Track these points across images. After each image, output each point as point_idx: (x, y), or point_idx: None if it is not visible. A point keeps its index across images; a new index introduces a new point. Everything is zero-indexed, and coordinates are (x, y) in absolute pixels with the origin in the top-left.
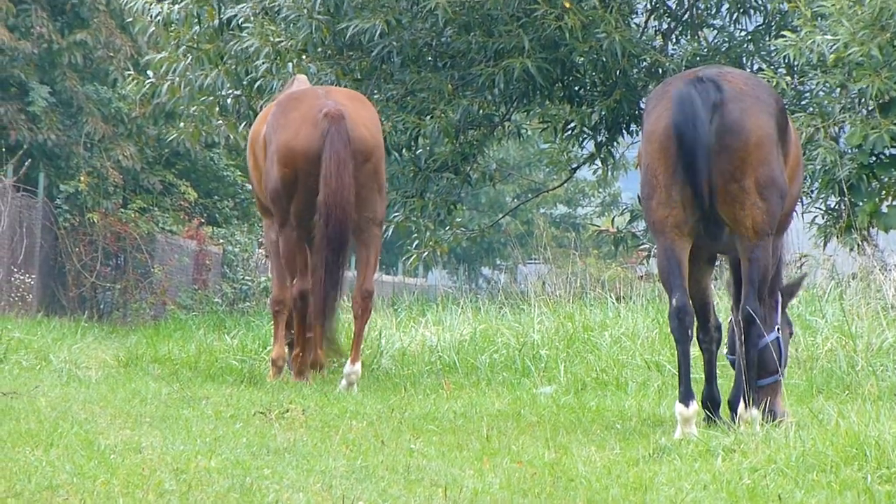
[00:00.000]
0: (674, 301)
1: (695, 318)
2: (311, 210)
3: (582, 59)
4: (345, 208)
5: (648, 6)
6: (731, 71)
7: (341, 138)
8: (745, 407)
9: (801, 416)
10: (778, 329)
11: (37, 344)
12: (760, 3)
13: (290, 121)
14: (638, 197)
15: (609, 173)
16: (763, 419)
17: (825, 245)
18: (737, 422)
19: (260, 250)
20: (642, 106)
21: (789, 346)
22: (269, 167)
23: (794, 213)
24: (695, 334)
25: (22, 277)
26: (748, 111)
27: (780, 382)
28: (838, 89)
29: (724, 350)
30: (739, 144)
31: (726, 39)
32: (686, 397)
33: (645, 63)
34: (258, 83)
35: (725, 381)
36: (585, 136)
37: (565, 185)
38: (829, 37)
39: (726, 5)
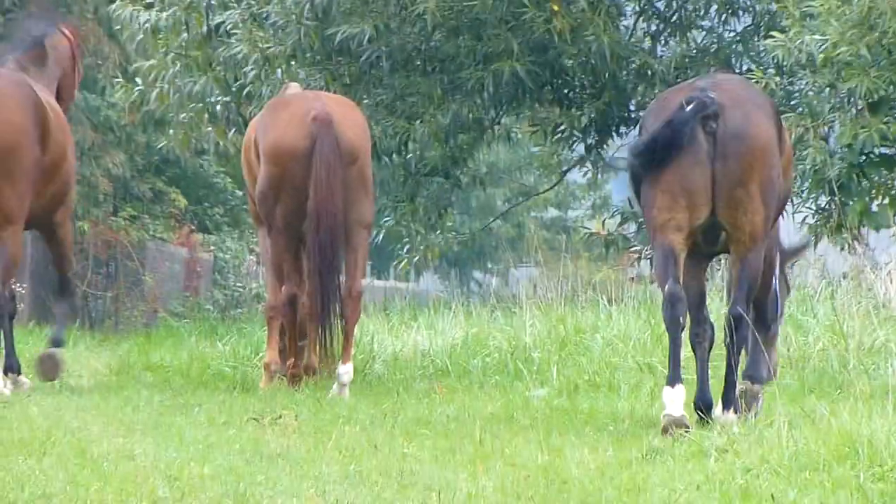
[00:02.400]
0: (666, 288)
1: (688, 312)
2: (298, 213)
3: (571, 62)
4: (335, 214)
5: (637, 8)
6: (726, 78)
7: (330, 143)
8: (723, 410)
9: (794, 415)
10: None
11: (28, 353)
12: (749, 3)
13: (278, 121)
14: (629, 199)
15: (599, 176)
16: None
17: (816, 245)
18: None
19: (251, 257)
20: (632, 108)
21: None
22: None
23: (784, 212)
24: (688, 330)
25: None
26: (750, 116)
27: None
28: (828, 89)
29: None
30: (745, 149)
31: (715, 41)
32: (673, 380)
33: (634, 65)
34: (247, 89)
35: (717, 381)
36: (575, 138)
37: (556, 188)
38: (817, 37)
39: (715, 6)
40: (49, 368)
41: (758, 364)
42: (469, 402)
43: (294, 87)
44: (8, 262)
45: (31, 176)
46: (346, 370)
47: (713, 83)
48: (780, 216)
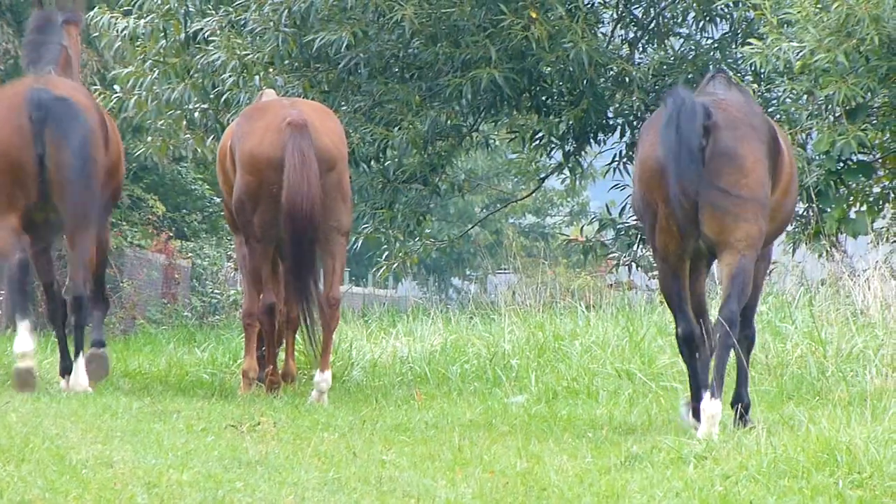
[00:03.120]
0: (680, 330)
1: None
2: (275, 221)
3: (549, 69)
4: (311, 214)
5: (615, 15)
6: (726, 98)
7: (305, 146)
8: (711, 397)
9: (772, 422)
10: None
11: (6, 360)
12: (726, 10)
13: (254, 129)
14: (606, 206)
15: (577, 182)
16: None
17: (794, 252)
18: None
19: (229, 263)
20: (609, 115)
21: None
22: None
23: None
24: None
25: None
26: (742, 139)
27: None
28: (805, 96)
29: None
30: (731, 170)
31: (692, 48)
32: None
33: (612, 72)
34: (225, 96)
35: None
36: (553, 145)
37: (534, 194)
38: (795, 44)
39: (692, 14)
40: (97, 368)
41: (745, 385)
42: (448, 409)
43: (270, 94)
44: (85, 262)
45: (103, 179)
46: (324, 377)
47: (714, 101)
48: (779, 235)
